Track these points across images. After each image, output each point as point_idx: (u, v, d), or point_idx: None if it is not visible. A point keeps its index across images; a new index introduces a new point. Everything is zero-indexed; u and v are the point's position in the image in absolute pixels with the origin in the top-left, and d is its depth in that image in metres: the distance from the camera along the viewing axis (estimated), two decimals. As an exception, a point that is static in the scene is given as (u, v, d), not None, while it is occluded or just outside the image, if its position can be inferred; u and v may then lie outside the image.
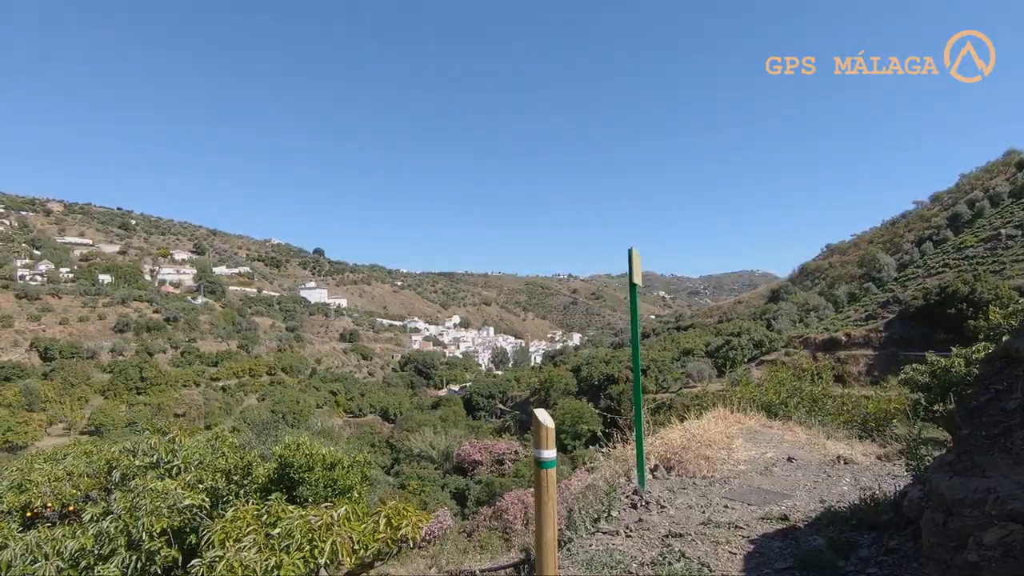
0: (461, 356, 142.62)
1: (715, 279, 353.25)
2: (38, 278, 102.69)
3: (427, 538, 29.97)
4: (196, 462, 5.14)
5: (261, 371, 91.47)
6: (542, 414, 3.01)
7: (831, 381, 8.51)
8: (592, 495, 4.07)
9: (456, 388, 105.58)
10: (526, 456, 49.88)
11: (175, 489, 3.85)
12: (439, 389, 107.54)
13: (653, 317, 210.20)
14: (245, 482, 4.94)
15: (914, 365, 10.98)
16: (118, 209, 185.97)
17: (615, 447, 5.48)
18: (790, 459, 5.06)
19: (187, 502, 3.82)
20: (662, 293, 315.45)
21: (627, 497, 4.13)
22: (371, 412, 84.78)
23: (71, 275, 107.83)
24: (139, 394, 74.06)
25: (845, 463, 5.04)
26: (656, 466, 4.81)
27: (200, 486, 4.42)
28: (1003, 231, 52.45)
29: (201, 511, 3.92)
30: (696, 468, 4.72)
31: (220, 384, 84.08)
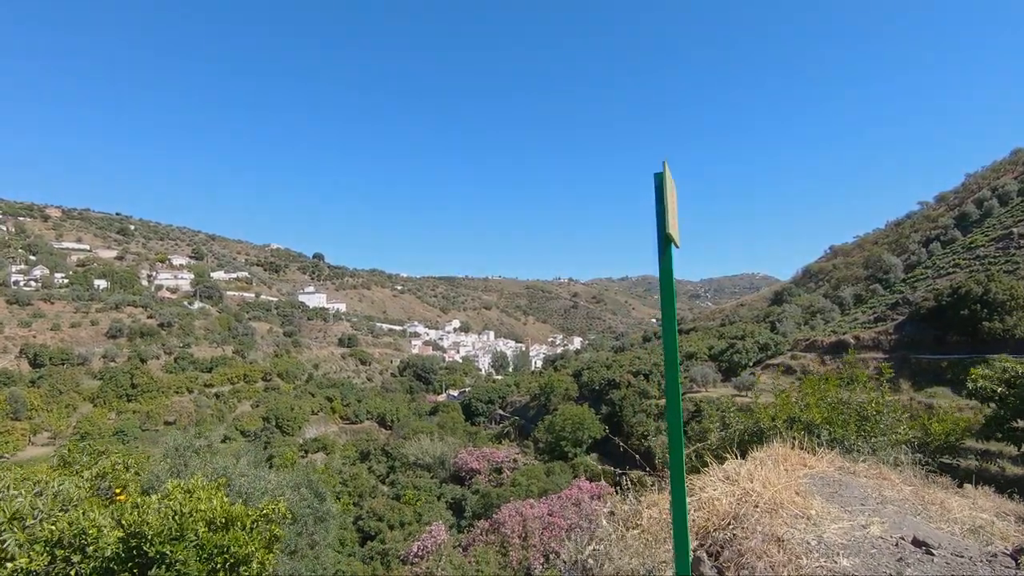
0: (461, 360, 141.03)
1: (715, 282, 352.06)
2: (32, 283, 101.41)
3: (420, 553, 27.91)
4: (39, 518, 3.70)
5: (256, 377, 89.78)
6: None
7: (888, 391, 6.94)
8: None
9: (455, 393, 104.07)
10: (525, 464, 48.42)
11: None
12: (438, 394, 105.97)
13: (654, 321, 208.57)
14: (78, 560, 3.45)
15: (984, 371, 9.49)
16: (117, 214, 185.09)
17: (627, 497, 3.86)
18: (922, 545, 3.03)
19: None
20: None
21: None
22: (368, 418, 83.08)
23: (66, 280, 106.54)
24: (129, 401, 72.35)
25: (1033, 557, 3.08)
26: (697, 558, 2.93)
27: (8, 566, 2.98)
28: (1015, 230, 50.93)
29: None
30: (767, 566, 2.76)
31: (214, 391, 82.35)
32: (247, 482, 7.79)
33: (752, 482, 3.50)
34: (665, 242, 2.51)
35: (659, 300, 2.62)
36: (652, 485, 4.05)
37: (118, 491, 5.23)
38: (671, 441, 2.40)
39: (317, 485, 13.16)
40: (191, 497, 3.67)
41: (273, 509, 4.07)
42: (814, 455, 4.39)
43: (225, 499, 3.83)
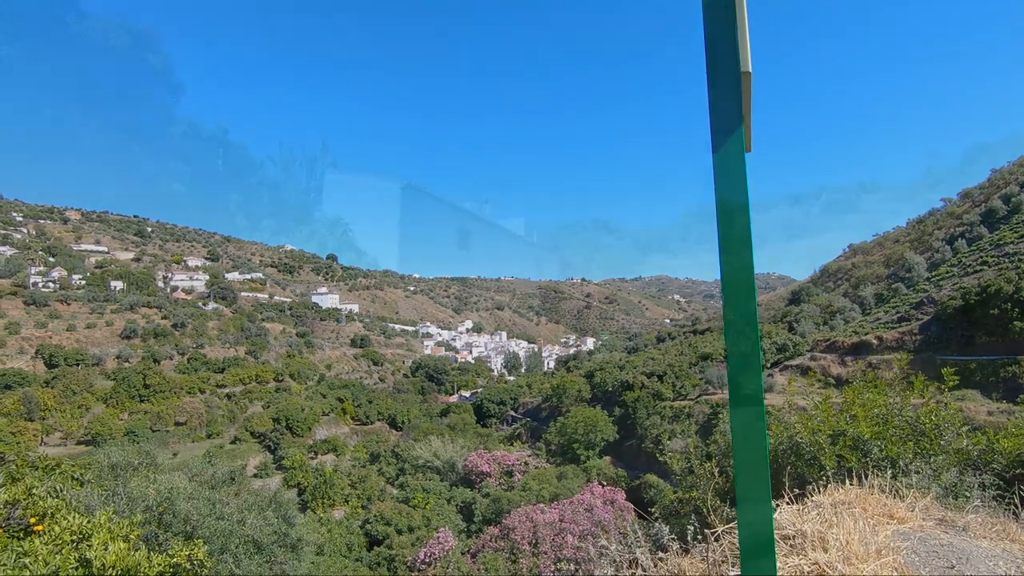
0: (473, 361, 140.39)
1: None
2: (50, 285, 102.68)
3: (427, 559, 26.97)
4: None
5: (268, 378, 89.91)
6: None
7: (950, 399, 5.93)
8: None
9: (467, 394, 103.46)
10: (536, 467, 47.50)
11: None
12: (450, 395, 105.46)
13: (668, 321, 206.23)
14: None
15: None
16: (134, 217, 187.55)
17: (638, 557, 2.70)
18: None
19: None
20: (677, 297, 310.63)
21: None
22: (379, 419, 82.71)
23: (83, 282, 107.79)
24: (142, 402, 72.70)
25: None
26: None
27: None
28: (1047, 226, 48.95)
29: None
30: None
31: (225, 391, 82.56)
32: (195, 507, 6.90)
33: (826, 551, 2.39)
34: (734, 96, 0.98)
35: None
36: (670, 532, 3.15)
37: (33, 520, 4.44)
38: (739, 471, 1.36)
39: (286, 507, 12.31)
40: (82, 542, 2.85)
41: (188, 556, 3.22)
42: (899, 497, 3.28)
43: (124, 544, 2.97)
